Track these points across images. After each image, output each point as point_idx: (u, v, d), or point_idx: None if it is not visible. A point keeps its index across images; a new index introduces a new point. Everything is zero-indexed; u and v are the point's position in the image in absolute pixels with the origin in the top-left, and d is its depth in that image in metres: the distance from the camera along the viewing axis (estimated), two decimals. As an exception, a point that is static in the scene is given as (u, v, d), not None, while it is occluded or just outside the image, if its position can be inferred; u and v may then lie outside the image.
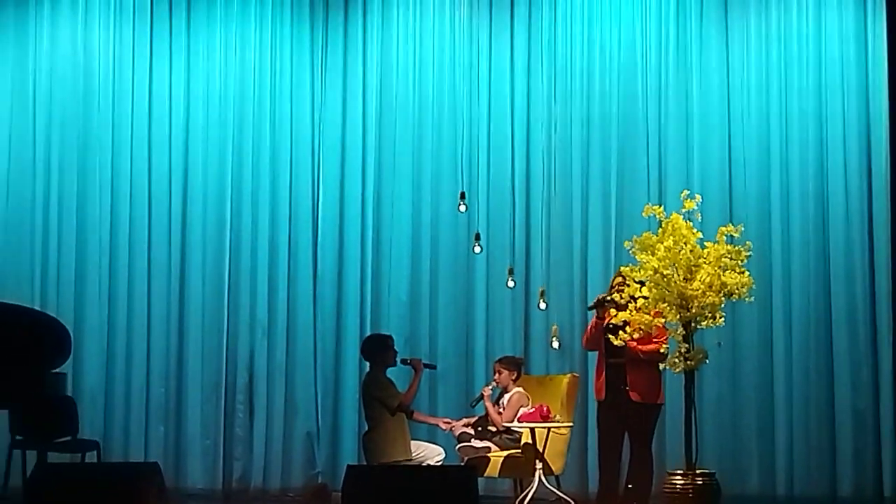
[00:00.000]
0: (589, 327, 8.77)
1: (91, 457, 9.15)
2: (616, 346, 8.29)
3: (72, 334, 9.27)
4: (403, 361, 9.15)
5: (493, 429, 9.00)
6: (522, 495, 8.63)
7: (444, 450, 9.12)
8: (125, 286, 10.45)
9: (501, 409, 9.00)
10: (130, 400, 10.37)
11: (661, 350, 8.33)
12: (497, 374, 9.13)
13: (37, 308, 9.74)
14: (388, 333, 9.49)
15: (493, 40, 10.45)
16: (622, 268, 8.42)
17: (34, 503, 6.90)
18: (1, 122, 10.62)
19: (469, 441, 8.94)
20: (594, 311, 8.72)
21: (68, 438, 9.02)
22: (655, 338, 8.36)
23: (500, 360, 9.24)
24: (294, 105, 10.58)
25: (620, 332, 8.19)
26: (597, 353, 8.76)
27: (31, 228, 10.51)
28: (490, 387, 9.16)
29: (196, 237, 10.51)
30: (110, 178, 10.52)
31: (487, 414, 9.05)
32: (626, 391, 8.46)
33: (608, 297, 8.57)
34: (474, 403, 9.21)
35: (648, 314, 8.13)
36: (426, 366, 9.22)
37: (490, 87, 10.42)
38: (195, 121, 10.61)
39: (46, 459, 8.52)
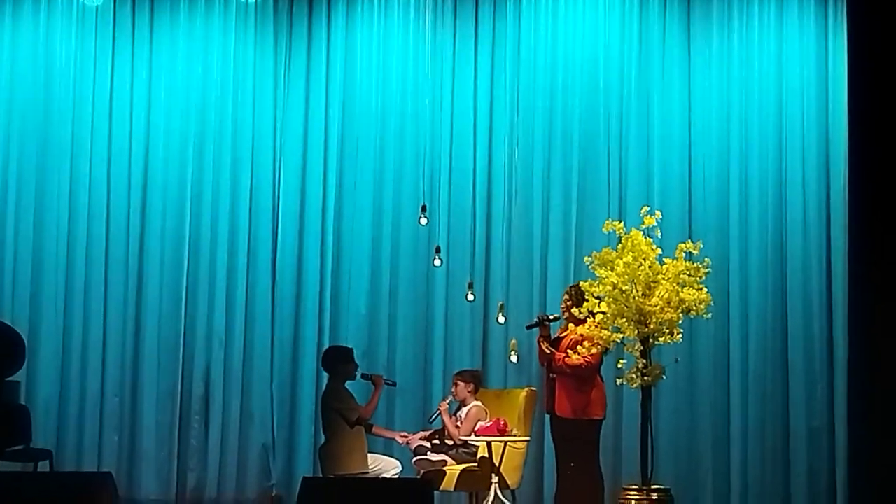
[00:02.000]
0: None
1: (44, 466, 9.06)
2: (550, 363, 8.40)
3: (26, 342, 9.20)
4: (364, 376, 9.13)
5: (450, 442, 9.00)
6: (478, 509, 8.62)
7: (401, 462, 9.10)
8: (81, 294, 10.35)
9: (459, 423, 8.99)
10: (84, 409, 10.27)
11: (589, 364, 8.32)
12: (455, 387, 9.13)
13: (-9, 315, 9.66)
14: (348, 346, 9.46)
15: (456, 54, 10.45)
16: (581, 283, 8.47)
17: (-16, 512, 6.83)
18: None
19: (425, 454, 8.93)
20: (537, 329, 8.74)
21: (21, 447, 8.93)
22: (582, 352, 8.34)
23: (458, 374, 9.25)
24: (256, 115, 10.54)
25: (579, 348, 8.25)
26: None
27: (-13, 237, 10.41)
28: (447, 400, 9.15)
29: (154, 245, 10.43)
30: (68, 187, 10.41)
31: (445, 427, 9.03)
32: (554, 406, 8.53)
33: (546, 317, 8.66)
34: (432, 419, 9.20)
35: (607, 329, 8.16)
36: (387, 382, 9.21)
37: (453, 101, 10.42)
38: (155, 130, 10.53)
39: (-2, 468, 8.42)
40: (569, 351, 8.39)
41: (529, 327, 8.94)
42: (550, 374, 8.64)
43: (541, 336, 8.71)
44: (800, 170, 10.13)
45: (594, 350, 8.30)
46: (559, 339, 8.66)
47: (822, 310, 9.96)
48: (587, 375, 8.43)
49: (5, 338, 8.86)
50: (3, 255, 10.38)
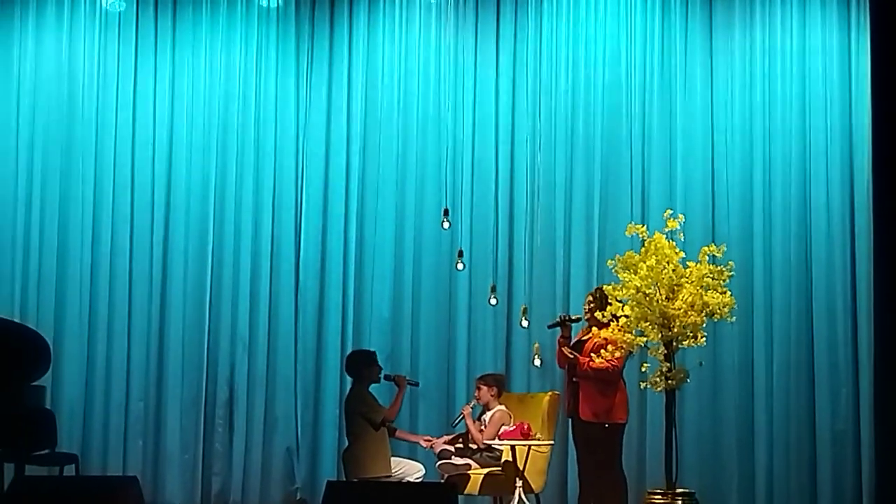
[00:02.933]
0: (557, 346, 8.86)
1: (69, 470, 9.10)
2: (576, 365, 8.38)
3: (51, 347, 9.24)
4: (387, 378, 9.14)
5: (474, 446, 8.99)
6: (502, 513, 8.62)
7: (425, 467, 9.09)
8: (106, 299, 10.39)
9: (483, 427, 8.98)
10: (109, 413, 10.31)
11: (614, 368, 8.33)
12: (478, 391, 9.13)
13: (16, 320, 9.70)
14: (371, 349, 9.48)
15: (478, 57, 10.45)
16: (604, 286, 8.46)
17: (11, 516, 6.86)
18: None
19: (449, 458, 8.92)
20: (558, 328, 8.77)
21: (46, 451, 8.96)
22: (607, 356, 8.34)
23: (481, 378, 9.25)
24: (278, 120, 10.56)
25: (602, 351, 8.24)
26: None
27: (13, 241, 10.44)
28: (471, 405, 9.15)
29: (178, 250, 10.47)
30: (92, 191, 10.46)
31: (468, 431, 9.03)
32: (577, 410, 8.52)
33: (569, 317, 8.65)
34: (455, 423, 9.21)
35: (630, 333, 8.15)
36: (409, 382, 9.21)
37: (475, 104, 10.42)
38: (178, 134, 10.56)
39: (24, 472, 8.46)
40: (592, 354, 8.39)
41: (551, 326, 8.96)
42: (572, 378, 8.64)
43: (561, 336, 8.72)
44: (824, 170, 10.08)
45: (618, 354, 8.29)
46: (581, 342, 8.65)
47: (847, 312, 9.92)
48: (612, 379, 8.43)
49: (31, 343, 8.89)
50: (28, 260, 10.43)
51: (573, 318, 8.79)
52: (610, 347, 8.25)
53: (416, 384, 9.47)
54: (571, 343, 8.67)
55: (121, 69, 10.55)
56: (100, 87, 10.53)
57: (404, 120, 10.49)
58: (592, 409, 8.49)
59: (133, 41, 10.56)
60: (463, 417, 9.06)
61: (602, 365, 8.33)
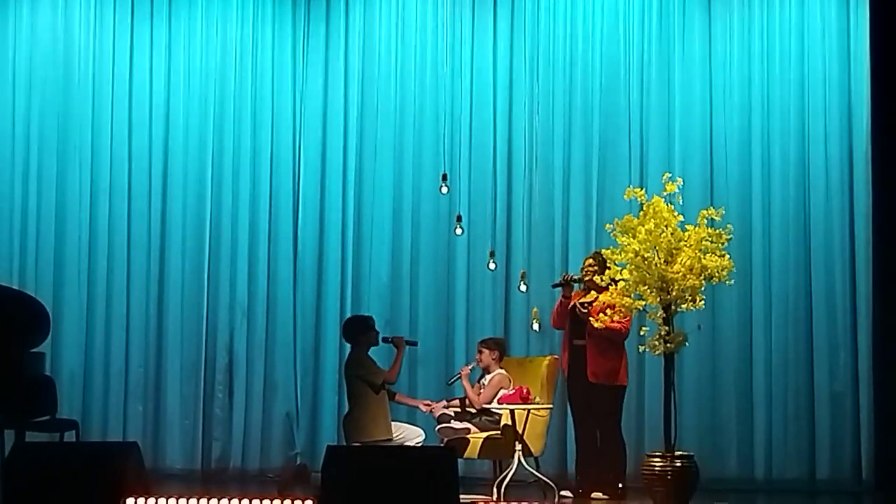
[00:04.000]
0: (556, 306, 8.92)
1: (70, 436, 9.11)
2: (579, 327, 8.44)
3: (50, 314, 9.25)
4: (385, 340, 9.14)
5: (473, 410, 9.01)
6: (502, 476, 8.65)
7: (424, 431, 9.12)
8: (104, 266, 10.41)
9: (481, 390, 9.00)
10: (109, 379, 10.35)
11: (624, 331, 8.39)
12: (479, 355, 9.13)
13: (15, 287, 9.70)
14: (368, 315, 9.48)
15: (476, 22, 10.42)
16: (603, 250, 8.46)
17: (12, 482, 6.88)
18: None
19: (448, 422, 8.95)
20: (560, 289, 8.82)
21: (47, 418, 8.98)
22: (618, 318, 8.38)
23: (482, 341, 9.26)
24: (275, 86, 10.54)
25: (601, 315, 8.25)
26: (563, 332, 8.88)
27: (10, 209, 10.46)
28: (470, 366, 9.17)
29: (176, 217, 10.47)
30: (90, 159, 10.47)
31: (465, 393, 9.05)
32: (584, 372, 8.53)
33: (573, 277, 8.70)
34: (452, 381, 9.22)
35: (629, 296, 8.16)
36: (408, 342, 9.21)
37: (472, 69, 10.39)
38: (175, 102, 10.55)
39: (25, 439, 8.49)
40: (601, 315, 8.34)
41: (555, 286, 9.01)
42: (572, 341, 8.66)
43: (563, 297, 8.75)
44: (822, 133, 10.06)
45: (628, 316, 8.35)
46: (584, 304, 8.64)
47: (846, 275, 9.92)
48: (620, 341, 8.55)
49: (30, 309, 8.91)
50: (27, 228, 10.44)
51: (576, 278, 8.82)
52: (609, 311, 8.27)
53: (415, 343, 9.45)
54: (570, 306, 8.69)
55: (117, 39, 10.55)
56: (96, 58, 10.54)
57: (402, 85, 10.46)
58: (599, 370, 8.56)
59: (129, 10, 10.55)
60: (459, 377, 9.07)
61: (616, 325, 8.36)
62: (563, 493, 8.70)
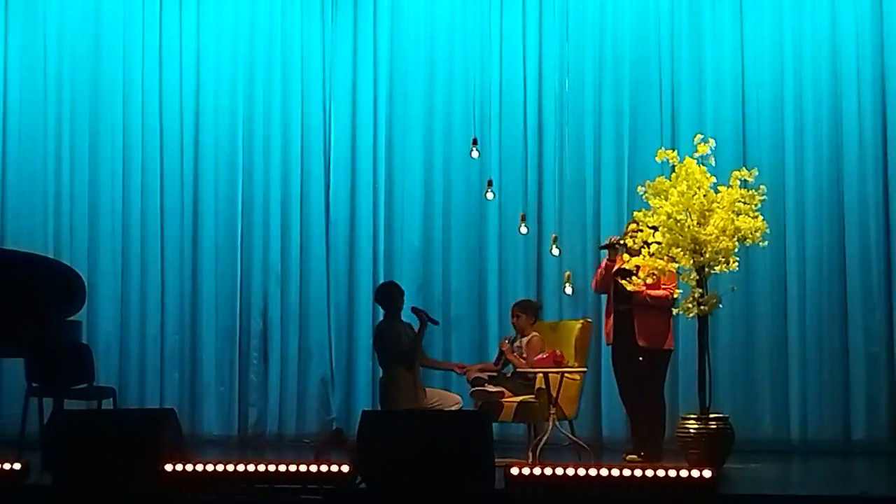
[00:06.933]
0: (599, 269, 8.84)
1: (107, 404, 9.21)
2: (625, 291, 8.33)
3: (86, 282, 9.33)
4: (413, 310, 9.14)
5: (509, 374, 9.02)
6: (536, 440, 8.66)
7: (462, 397, 9.12)
8: (138, 234, 10.49)
9: (524, 354, 8.95)
10: (145, 347, 10.44)
11: (671, 296, 8.36)
12: (516, 319, 9.12)
13: (50, 257, 9.78)
14: (395, 281, 9.44)
15: (505, -15, 10.37)
16: (636, 213, 8.42)
17: (51, 450, 6.97)
18: (12, 73, 10.66)
19: (483, 385, 8.96)
20: (606, 251, 8.77)
21: (84, 386, 9.08)
22: (664, 283, 8.37)
23: (518, 304, 9.21)
24: (305, 52, 10.54)
25: (633, 278, 8.22)
26: (606, 297, 8.79)
27: (44, 178, 10.55)
28: (507, 339, 9.14)
29: (208, 184, 10.53)
30: (122, 127, 10.54)
31: (504, 359, 9.04)
32: (633, 337, 8.50)
33: (620, 240, 8.62)
34: (500, 364, 9.14)
35: (661, 259, 8.13)
36: (430, 320, 9.14)
37: (501, 32, 10.34)
38: (206, 69, 10.59)
39: (63, 407, 8.57)
40: (633, 279, 8.26)
41: (602, 248, 8.94)
42: (619, 305, 8.58)
43: (608, 260, 8.67)
44: (854, 90, 9.94)
45: (674, 281, 8.30)
46: (625, 270, 8.51)
47: (880, 234, 9.84)
48: (668, 305, 8.43)
49: (66, 278, 8.99)
50: (60, 198, 10.53)
51: (622, 241, 8.70)
52: (641, 274, 8.23)
53: (437, 322, 9.34)
54: (613, 271, 8.61)
55: (146, 12, 10.57)
56: (127, 37, 10.60)
57: (431, 49, 10.44)
58: (648, 334, 8.48)
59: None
60: (503, 354, 9.06)
61: (663, 293, 8.35)
62: (629, 456, 8.54)
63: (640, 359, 8.52)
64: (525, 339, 9.04)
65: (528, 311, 9.12)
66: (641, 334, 8.50)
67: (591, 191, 10.19)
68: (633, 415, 8.83)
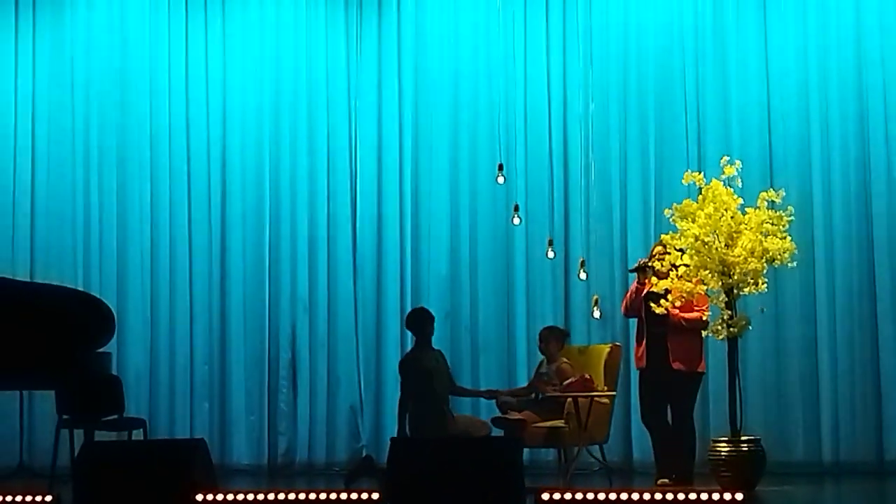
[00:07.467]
0: (629, 293, 8.77)
1: (138, 435, 9.22)
2: (657, 314, 8.27)
3: (115, 313, 9.35)
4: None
5: (535, 397, 8.99)
6: (567, 464, 8.63)
7: (491, 426, 9.07)
8: (167, 265, 10.53)
9: (555, 382, 8.86)
10: (175, 378, 10.46)
11: (704, 318, 8.32)
12: (542, 344, 9.08)
13: (80, 288, 9.82)
14: (427, 308, 9.43)
15: (528, 8, 10.38)
16: (663, 236, 8.40)
17: (82, 482, 6.98)
18: (40, 102, 10.71)
19: (506, 413, 8.89)
20: (635, 274, 8.72)
21: (115, 417, 9.09)
22: (697, 306, 8.33)
23: (548, 330, 9.15)
24: (330, 80, 10.59)
25: (662, 301, 8.18)
26: (636, 321, 8.74)
27: (73, 210, 10.60)
28: (545, 368, 9.07)
29: (236, 215, 10.56)
30: (149, 158, 10.58)
31: (535, 385, 9.01)
32: (667, 360, 8.44)
33: (650, 263, 8.57)
34: (539, 397, 9.08)
35: (690, 282, 8.10)
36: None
37: (526, 55, 10.36)
38: (232, 100, 10.64)
39: (94, 438, 8.60)
40: (662, 301, 8.22)
41: (632, 271, 8.91)
42: (651, 329, 8.51)
43: (638, 283, 8.62)
44: (881, 111, 9.91)
45: (706, 303, 8.25)
46: (653, 293, 8.46)
47: (910, 254, 9.80)
48: (701, 328, 8.38)
49: (96, 309, 9.00)
50: (90, 229, 10.58)
51: (651, 264, 8.65)
52: (670, 297, 8.19)
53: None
54: (644, 293, 8.56)
55: (172, 39, 10.67)
56: (152, 54, 10.64)
57: (456, 75, 10.46)
58: (684, 358, 8.40)
59: (184, 10, 10.67)
60: (535, 386, 9.00)
61: (694, 316, 8.30)
62: (660, 480, 8.44)
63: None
64: (554, 366, 9.01)
65: (556, 338, 9.09)
66: (675, 358, 8.44)
67: (617, 214, 10.17)
68: (659, 439, 8.73)
